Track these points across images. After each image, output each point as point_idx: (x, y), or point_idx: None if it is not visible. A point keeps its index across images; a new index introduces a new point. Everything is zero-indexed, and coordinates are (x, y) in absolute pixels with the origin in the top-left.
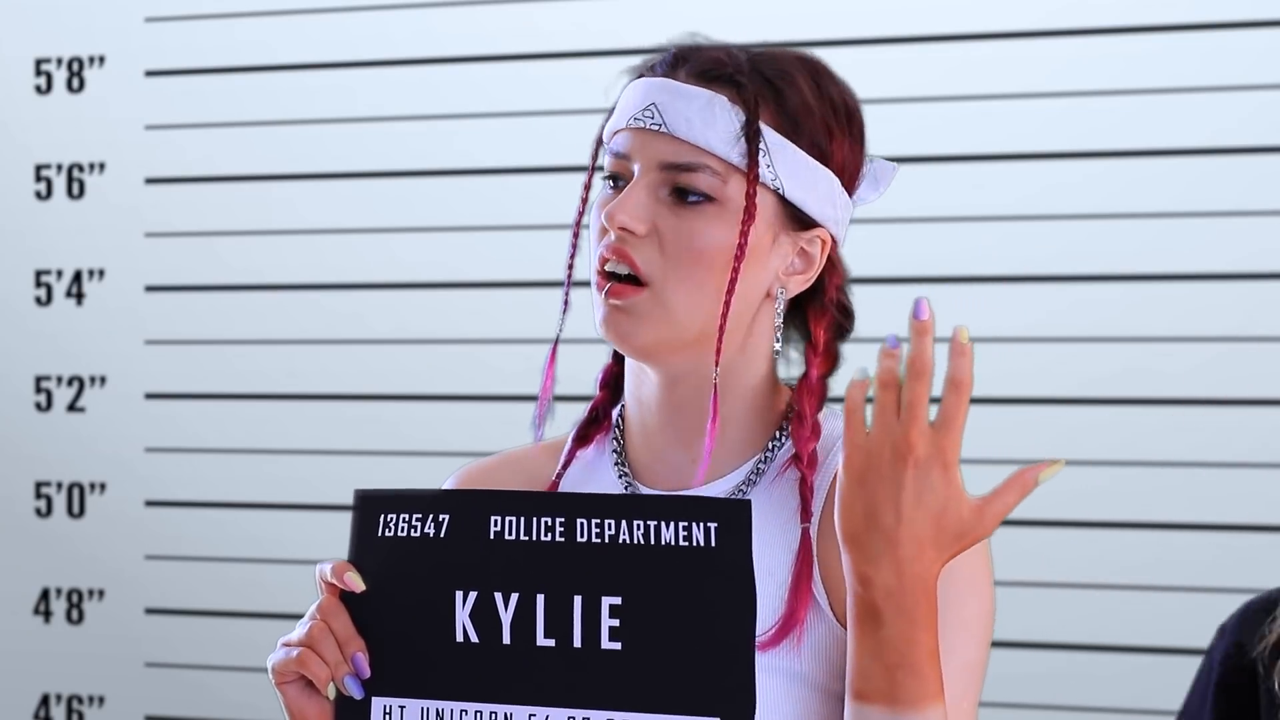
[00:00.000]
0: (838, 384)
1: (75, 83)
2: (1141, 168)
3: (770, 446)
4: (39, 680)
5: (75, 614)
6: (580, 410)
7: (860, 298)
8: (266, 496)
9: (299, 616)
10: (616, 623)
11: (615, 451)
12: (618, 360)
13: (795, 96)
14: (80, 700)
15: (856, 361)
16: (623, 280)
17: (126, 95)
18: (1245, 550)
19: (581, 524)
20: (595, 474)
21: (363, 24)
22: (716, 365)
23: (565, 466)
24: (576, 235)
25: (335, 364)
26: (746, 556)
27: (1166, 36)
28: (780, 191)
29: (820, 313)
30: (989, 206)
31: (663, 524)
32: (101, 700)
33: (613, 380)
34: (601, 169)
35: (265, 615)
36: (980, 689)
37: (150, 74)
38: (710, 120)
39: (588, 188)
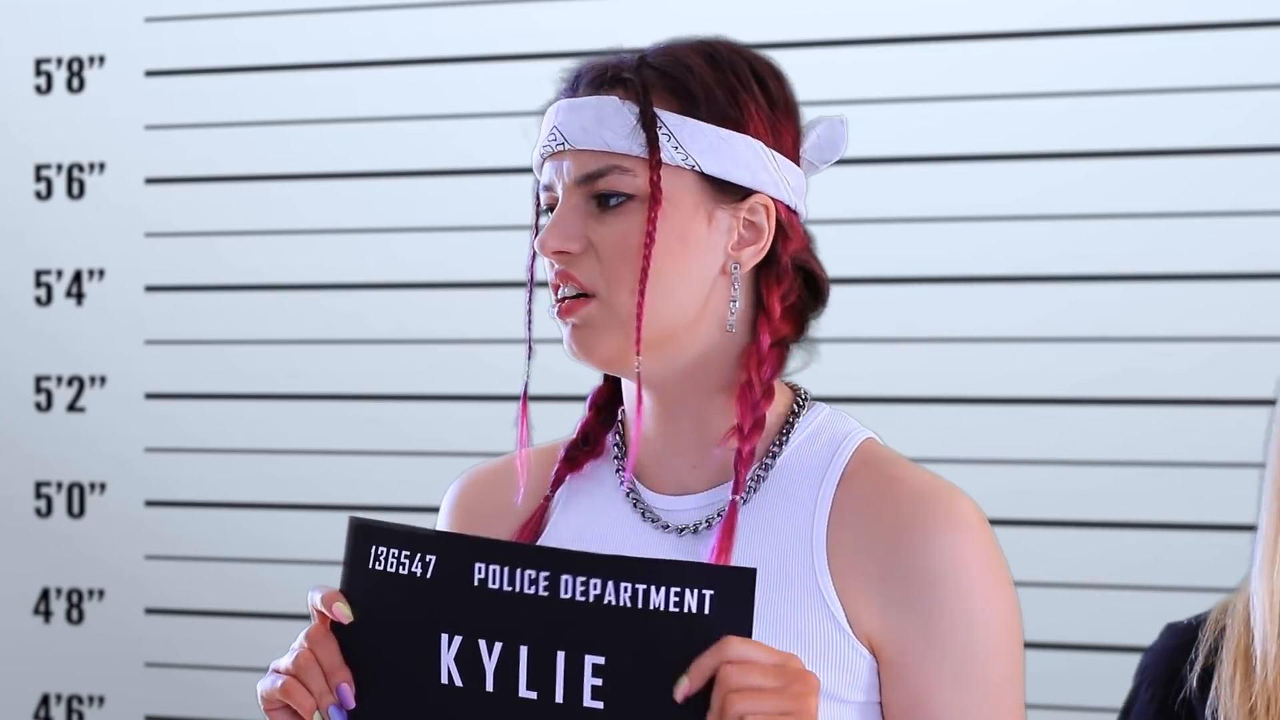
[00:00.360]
0: (836, 380)
1: (75, 83)
2: (1141, 168)
3: (778, 443)
4: (39, 680)
5: (75, 614)
6: (579, 411)
7: (861, 298)
8: (266, 496)
9: (298, 616)
10: (599, 682)
11: (617, 458)
12: (609, 379)
13: (689, 76)
14: (80, 700)
15: (850, 359)
16: (573, 298)
17: (126, 95)
18: (1245, 550)
19: (566, 580)
20: (596, 477)
21: (363, 24)
22: (638, 353)
23: (554, 488)
24: (532, 279)
25: (335, 364)
26: (746, 626)
27: (1166, 36)
28: (697, 168)
29: (772, 280)
30: (989, 206)
31: (653, 588)
32: (101, 700)
33: (603, 401)
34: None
35: (265, 615)
36: (1023, 693)
37: (150, 74)
38: (604, 121)
39: (537, 230)
